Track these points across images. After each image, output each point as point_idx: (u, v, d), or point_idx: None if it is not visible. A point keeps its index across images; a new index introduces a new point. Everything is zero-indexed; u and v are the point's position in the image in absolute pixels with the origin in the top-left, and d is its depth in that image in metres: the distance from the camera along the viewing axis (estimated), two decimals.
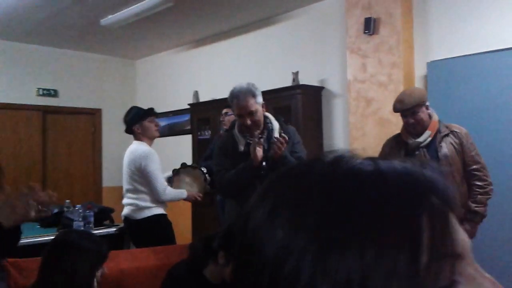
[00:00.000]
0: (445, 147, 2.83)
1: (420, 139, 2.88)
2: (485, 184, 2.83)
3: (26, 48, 6.60)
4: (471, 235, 2.84)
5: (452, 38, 4.22)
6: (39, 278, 1.93)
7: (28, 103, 6.63)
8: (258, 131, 2.70)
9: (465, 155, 2.83)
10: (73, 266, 1.90)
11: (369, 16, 4.46)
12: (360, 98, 4.61)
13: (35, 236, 3.14)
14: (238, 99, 2.63)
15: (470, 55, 4.05)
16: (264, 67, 5.74)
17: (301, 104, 4.98)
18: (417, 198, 0.38)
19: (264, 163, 2.60)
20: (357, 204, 0.38)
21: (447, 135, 2.87)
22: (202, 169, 4.02)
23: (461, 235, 0.40)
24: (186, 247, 2.36)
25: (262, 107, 2.71)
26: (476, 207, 2.80)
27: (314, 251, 0.37)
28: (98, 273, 1.98)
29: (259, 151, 2.57)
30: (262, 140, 2.65)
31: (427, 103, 2.93)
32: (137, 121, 3.51)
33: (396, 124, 4.31)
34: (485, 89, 3.90)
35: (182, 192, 3.60)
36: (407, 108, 2.84)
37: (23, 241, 3.04)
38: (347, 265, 0.35)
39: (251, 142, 2.67)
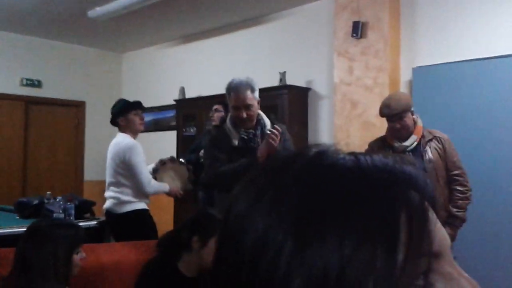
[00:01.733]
0: (430, 152, 2.87)
1: (407, 143, 2.91)
2: (465, 190, 2.89)
3: (10, 37, 6.50)
4: (452, 238, 2.89)
5: (438, 44, 4.28)
6: (15, 267, 1.91)
7: (11, 92, 6.53)
8: (252, 126, 2.71)
9: (448, 161, 2.88)
10: (48, 253, 1.90)
11: (358, 19, 4.50)
12: (345, 100, 4.64)
13: (14, 226, 3.10)
14: (236, 91, 2.61)
15: (455, 62, 4.10)
16: (252, 66, 5.74)
17: (288, 104, 5.00)
18: (396, 194, 0.39)
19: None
20: (335, 198, 0.38)
21: (430, 140, 2.92)
22: (189, 166, 4.00)
23: (440, 233, 0.40)
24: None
25: (258, 103, 2.72)
26: (457, 211, 2.86)
27: (292, 244, 0.37)
28: (77, 257, 1.97)
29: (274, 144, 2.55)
30: (257, 134, 2.66)
31: (413, 109, 2.97)
32: (122, 113, 3.48)
33: (380, 128, 4.35)
34: (470, 96, 3.96)
35: (165, 186, 3.58)
36: (395, 113, 2.86)
37: (1, 231, 3.00)
38: (324, 259, 0.36)
39: (245, 136, 2.67)
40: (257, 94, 2.69)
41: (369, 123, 4.47)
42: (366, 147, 4.31)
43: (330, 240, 0.36)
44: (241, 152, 2.67)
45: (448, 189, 2.89)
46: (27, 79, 6.67)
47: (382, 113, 2.95)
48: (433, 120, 3.94)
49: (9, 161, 6.53)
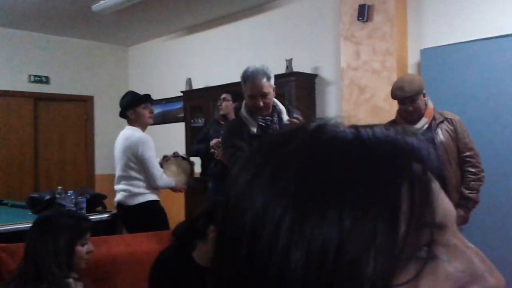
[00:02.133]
0: (441, 134, 2.84)
1: (418, 126, 2.86)
2: (477, 171, 2.85)
3: (17, 34, 6.52)
4: (465, 221, 2.86)
5: (445, 25, 4.21)
6: (24, 258, 1.93)
7: (20, 89, 6.56)
8: (268, 113, 2.70)
9: (459, 142, 2.85)
10: (49, 241, 1.92)
11: (363, 3, 4.44)
12: (353, 85, 4.60)
13: (27, 222, 3.13)
14: (253, 79, 2.59)
15: (463, 42, 4.04)
16: (258, 54, 5.71)
17: (295, 92, 4.97)
18: (397, 165, 0.38)
19: None
20: (335, 171, 0.37)
21: (441, 122, 2.88)
22: (192, 161, 4.01)
23: (444, 204, 0.39)
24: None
25: (273, 90, 2.71)
26: (469, 193, 2.83)
27: (291, 218, 0.36)
28: (83, 248, 1.97)
29: None
30: (275, 121, 2.65)
31: (424, 91, 2.94)
32: (132, 106, 3.49)
33: (389, 111, 4.31)
34: (479, 77, 3.90)
35: (171, 181, 3.61)
36: (408, 96, 2.82)
37: (14, 226, 3.03)
38: (323, 233, 0.35)
39: (263, 124, 2.66)
40: (272, 81, 2.68)
41: (377, 107, 4.44)
42: None
43: (330, 213, 0.35)
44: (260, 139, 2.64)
45: (460, 170, 2.86)
46: (35, 76, 6.70)
47: (394, 96, 2.91)
48: (443, 102, 3.89)
49: (20, 158, 6.59)
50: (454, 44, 4.09)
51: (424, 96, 2.90)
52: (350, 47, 4.62)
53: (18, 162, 6.56)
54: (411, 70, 4.41)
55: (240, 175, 0.42)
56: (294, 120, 2.59)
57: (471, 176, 2.84)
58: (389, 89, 4.33)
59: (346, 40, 4.65)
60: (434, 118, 2.89)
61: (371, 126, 0.41)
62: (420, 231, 0.36)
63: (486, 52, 3.88)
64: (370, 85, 4.48)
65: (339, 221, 0.35)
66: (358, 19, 4.46)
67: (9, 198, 5.18)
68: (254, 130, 2.67)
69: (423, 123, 2.87)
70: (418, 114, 2.87)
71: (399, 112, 2.99)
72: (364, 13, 4.41)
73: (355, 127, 0.41)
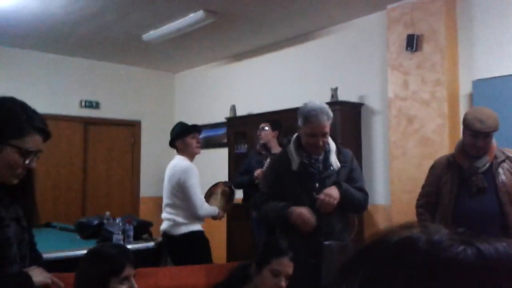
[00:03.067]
0: (502, 174, 2.65)
1: (478, 164, 2.67)
2: None
3: (70, 61, 6.81)
4: None
5: (498, 56, 4.09)
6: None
7: (71, 114, 6.81)
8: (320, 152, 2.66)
9: None
10: (86, 274, 1.90)
11: (412, 32, 4.38)
12: (401, 115, 4.51)
13: (76, 249, 3.19)
14: (315, 118, 2.55)
15: None
16: (303, 83, 5.72)
17: (340, 121, 4.92)
18: None
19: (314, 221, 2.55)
20: None
21: (503, 161, 2.70)
22: (232, 187, 4.04)
23: None
24: (224, 266, 2.33)
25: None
26: None
27: None
28: (122, 287, 1.87)
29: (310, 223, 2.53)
30: (320, 159, 2.64)
31: None
32: (180, 136, 3.55)
33: (439, 143, 4.20)
34: None
35: (215, 210, 3.62)
36: (487, 130, 2.60)
37: (63, 254, 3.10)
38: None
39: (306, 161, 2.63)
40: (331, 120, 2.64)
41: (427, 138, 4.32)
42: (424, 163, 4.18)
43: None
44: (300, 177, 2.62)
45: None
46: (86, 101, 6.95)
47: (472, 126, 2.62)
48: (495, 135, 3.75)
49: (70, 180, 6.79)
50: (507, 76, 3.96)
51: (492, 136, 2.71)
52: (398, 77, 4.55)
53: (68, 183, 6.77)
54: (462, 101, 4.30)
55: (344, 282, 0.39)
56: (325, 199, 2.53)
57: None
58: (439, 120, 4.24)
59: (393, 69, 4.59)
60: (495, 157, 2.70)
61: (491, 242, 0.37)
62: None
63: None
64: (419, 115, 4.39)
65: None
66: (407, 49, 4.40)
67: (57, 220, 5.32)
68: (296, 167, 2.64)
69: (484, 161, 2.67)
70: (484, 151, 2.67)
71: (464, 145, 2.74)
72: (413, 43, 4.35)
73: (476, 247, 0.37)
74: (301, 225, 2.52)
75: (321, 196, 2.54)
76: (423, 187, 2.94)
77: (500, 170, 2.66)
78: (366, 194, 2.73)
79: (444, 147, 4.12)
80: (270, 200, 2.66)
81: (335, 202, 2.54)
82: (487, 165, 2.67)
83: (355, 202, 2.66)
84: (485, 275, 0.35)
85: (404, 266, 0.37)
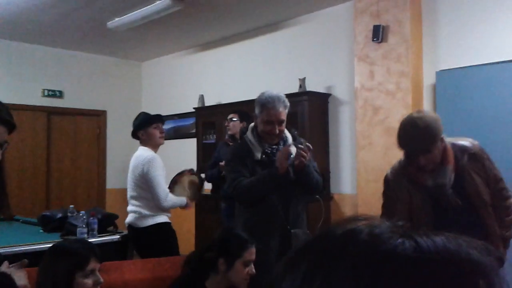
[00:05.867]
0: (471, 181, 2.27)
1: (444, 180, 2.22)
2: (508, 203, 2.36)
3: (32, 49, 6.60)
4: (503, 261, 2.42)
5: (461, 47, 4.17)
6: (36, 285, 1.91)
7: (33, 103, 6.62)
8: (276, 141, 2.69)
9: (489, 179, 2.31)
10: (50, 269, 1.89)
11: (378, 23, 4.43)
12: (367, 106, 4.57)
13: (39, 243, 3.11)
14: (272, 105, 2.58)
15: (479, 65, 4.00)
16: (271, 73, 5.71)
17: (308, 111, 4.94)
18: (464, 286, 0.35)
19: (291, 172, 2.59)
20: None
21: (466, 163, 2.27)
22: (202, 175, 3.99)
23: None
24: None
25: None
26: (506, 232, 2.35)
27: None
28: (87, 281, 1.87)
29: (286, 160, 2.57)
30: (290, 147, 2.64)
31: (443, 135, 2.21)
32: (142, 127, 3.48)
33: None
34: (495, 100, 3.86)
35: (182, 200, 3.56)
36: (423, 148, 2.14)
37: (26, 248, 3.02)
38: None
39: (268, 150, 2.65)
40: (287, 110, 2.68)
41: (392, 128, 4.38)
42: (389, 153, 4.24)
43: None
44: (264, 166, 2.65)
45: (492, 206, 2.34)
46: (48, 90, 6.76)
47: (405, 146, 2.19)
48: (458, 124, 3.85)
49: (33, 171, 6.62)
50: (470, 66, 4.05)
51: (441, 141, 2.18)
52: (364, 68, 4.59)
53: (31, 174, 6.59)
54: (426, 91, 4.37)
55: (287, 278, 0.40)
56: (305, 147, 2.56)
57: (505, 211, 2.35)
58: (404, 111, 4.30)
59: (360, 60, 4.63)
60: (456, 159, 2.26)
61: (429, 235, 0.38)
62: None
63: (503, 75, 3.84)
64: (384, 106, 4.45)
65: None
66: (373, 40, 4.44)
67: (21, 213, 5.18)
68: (259, 156, 2.66)
69: (449, 174, 2.22)
70: (432, 164, 2.20)
71: (409, 168, 2.29)
72: (379, 34, 4.39)
73: (414, 239, 0.38)
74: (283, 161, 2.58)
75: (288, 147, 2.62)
76: (386, 208, 2.44)
77: (468, 177, 2.27)
78: (320, 176, 2.81)
79: None
80: (244, 180, 2.65)
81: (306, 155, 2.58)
82: (453, 176, 2.24)
83: (313, 181, 2.72)
84: (421, 267, 0.36)
85: (344, 257, 0.38)
